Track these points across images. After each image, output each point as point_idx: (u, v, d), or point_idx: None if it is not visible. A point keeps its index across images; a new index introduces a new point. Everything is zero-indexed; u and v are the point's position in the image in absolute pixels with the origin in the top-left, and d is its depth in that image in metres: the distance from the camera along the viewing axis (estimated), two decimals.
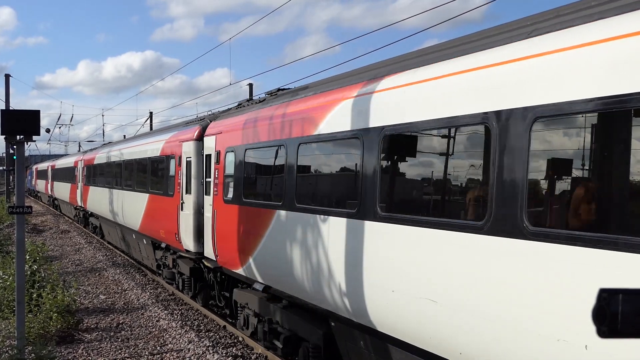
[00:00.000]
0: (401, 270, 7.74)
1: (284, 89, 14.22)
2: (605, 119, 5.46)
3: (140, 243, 24.12)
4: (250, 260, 12.73)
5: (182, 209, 17.44)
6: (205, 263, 15.87)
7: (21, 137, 11.67)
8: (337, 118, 9.61)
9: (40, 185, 75.00)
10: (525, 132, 6.02)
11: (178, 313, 17.22)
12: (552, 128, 6.09)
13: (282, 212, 11.26)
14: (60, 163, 54.20)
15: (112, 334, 15.11)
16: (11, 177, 57.45)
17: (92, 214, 36.64)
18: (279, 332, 12.13)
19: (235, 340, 14.41)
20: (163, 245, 20.14)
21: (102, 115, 74.73)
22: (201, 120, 18.54)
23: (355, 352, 9.52)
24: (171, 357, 13.20)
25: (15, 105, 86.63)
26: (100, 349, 13.90)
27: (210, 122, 16.77)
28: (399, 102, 8.04)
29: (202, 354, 13.26)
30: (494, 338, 6.33)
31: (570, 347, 5.40)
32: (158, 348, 13.91)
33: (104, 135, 68.08)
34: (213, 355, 13.13)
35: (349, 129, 9.18)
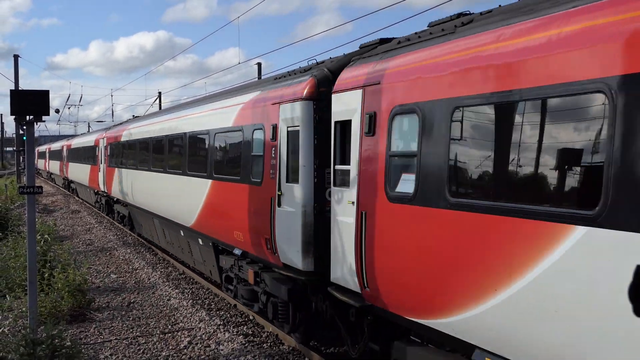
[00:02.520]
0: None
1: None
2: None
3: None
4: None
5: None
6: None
7: (30, 117, 11.67)
8: None
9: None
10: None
11: (189, 292, 17.28)
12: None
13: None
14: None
15: (123, 312, 15.20)
16: (21, 158, 57.41)
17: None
18: None
19: (246, 319, 14.47)
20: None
21: (111, 96, 74.76)
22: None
23: None
24: (182, 335, 13.27)
25: (26, 86, 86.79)
26: (112, 327, 13.98)
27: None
28: None
29: (213, 332, 13.33)
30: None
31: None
32: (169, 327, 13.98)
33: (112, 115, 68.07)
34: (224, 333, 13.20)
35: None
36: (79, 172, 44.46)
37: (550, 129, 6.32)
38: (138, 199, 24.47)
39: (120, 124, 33.33)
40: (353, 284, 9.60)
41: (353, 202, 9.53)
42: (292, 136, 11.50)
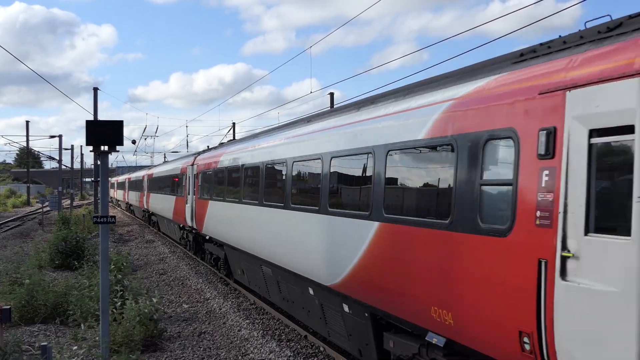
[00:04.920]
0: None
1: None
2: None
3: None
4: None
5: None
6: None
7: (105, 147, 11.83)
8: None
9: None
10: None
11: (259, 322, 17.18)
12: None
13: None
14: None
15: (194, 342, 15.18)
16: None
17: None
18: None
19: (317, 351, 14.25)
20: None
21: (187, 126, 76.00)
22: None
23: None
24: None
25: (107, 118, 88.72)
26: (183, 357, 13.96)
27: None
28: None
29: None
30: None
31: None
32: (240, 358, 13.87)
33: (187, 146, 69.31)
34: None
35: None
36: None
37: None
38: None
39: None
40: None
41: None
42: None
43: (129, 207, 73.50)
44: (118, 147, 11.84)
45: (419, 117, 9.38)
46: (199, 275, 25.98)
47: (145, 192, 50.31)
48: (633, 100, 5.69)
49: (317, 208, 12.71)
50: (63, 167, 66.93)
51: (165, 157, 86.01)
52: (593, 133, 6.22)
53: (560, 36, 7.69)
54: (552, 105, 6.75)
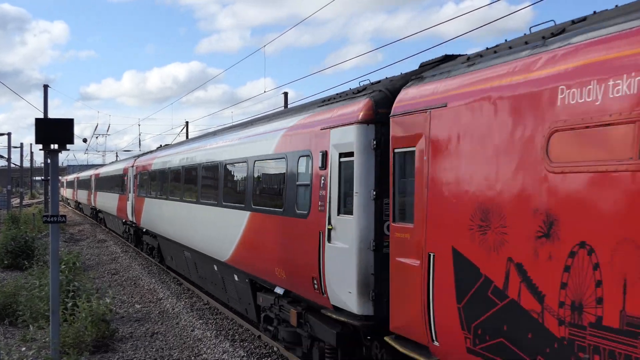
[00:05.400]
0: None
1: None
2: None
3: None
4: None
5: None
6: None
7: (55, 145, 11.65)
8: None
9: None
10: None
11: (213, 322, 17.09)
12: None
13: None
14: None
15: (146, 343, 15.04)
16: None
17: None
18: None
19: (270, 351, 14.23)
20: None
21: (139, 125, 75.18)
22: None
23: None
24: None
25: (59, 116, 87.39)
26: (135, 358, 13.82)
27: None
28: None
29: None
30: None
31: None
32: (192, 358, 13.78)
33: (139, 144, 68.60)
34: None
35: None
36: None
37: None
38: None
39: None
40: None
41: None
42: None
43: (77, 205, 76.53)
44: (68, 146, 11.69)
45: (271, 138, 13.71)
46: (151, 275, 25.76)
47: (93, 191, 53.54)
48: (354, 137, 9.98)
49: (216, 202, 17.33)
50: (12, 165, 65.72)
51: (117, 156, 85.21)
52: (341, 155, 10.42)
53: (360, 82, 12.06)
54: (325, 137, 10.96)
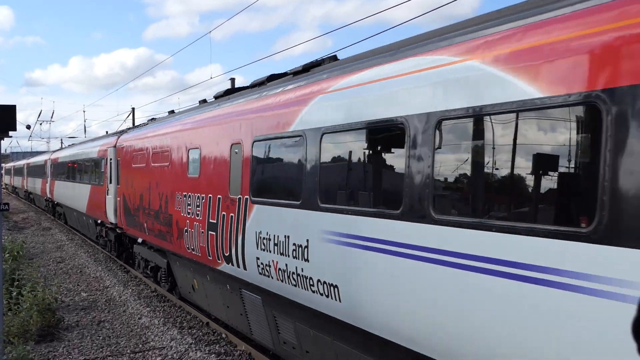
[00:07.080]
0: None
1: None
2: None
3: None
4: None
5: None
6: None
7: None
8: None
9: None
10: None
11: (160, 310, 17.04)
12: None
13: None
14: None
15: (93, 331, 14.93)
16: None
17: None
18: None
19: (219, 337, 14.26)
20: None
21: (84, 111, 74.12)
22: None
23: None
24: (153, 355, 13.04)
25: (3, 102, 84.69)
26: (81, 347, 13.72)
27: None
28: None
29: (185, 351, 13.12)
30: None
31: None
32: (140, 346, 13.74)
33: (85, 131, 67.41)
34: (196, 352, 12.99)
35: None
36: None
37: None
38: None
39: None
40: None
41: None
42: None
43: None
44: (12, 133, 11.50)
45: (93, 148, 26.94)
46: (98, 263, 25.50)
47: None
48: (112, 152, 23.44)
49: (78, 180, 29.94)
50: None
51: (62, 142, 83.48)
52: (110, 158, 23.95)
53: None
54: (106, 150, 25.91)
